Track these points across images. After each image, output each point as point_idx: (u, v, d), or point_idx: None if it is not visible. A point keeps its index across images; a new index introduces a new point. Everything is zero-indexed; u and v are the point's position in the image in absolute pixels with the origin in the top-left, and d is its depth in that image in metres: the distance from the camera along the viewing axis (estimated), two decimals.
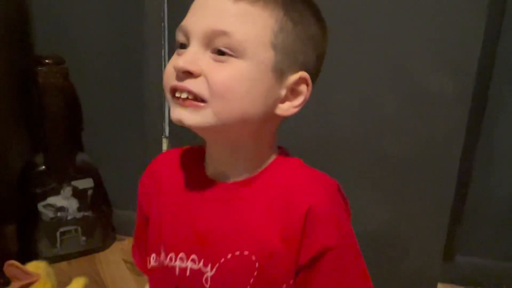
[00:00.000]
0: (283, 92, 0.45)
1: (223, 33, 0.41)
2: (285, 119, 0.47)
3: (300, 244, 0.45)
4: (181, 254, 0.48)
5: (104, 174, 1.32)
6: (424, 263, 1.11)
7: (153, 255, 0.52)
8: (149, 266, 0.53)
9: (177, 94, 0.43)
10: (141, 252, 0.58)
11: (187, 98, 0.42)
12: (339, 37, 0.97)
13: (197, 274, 0.47)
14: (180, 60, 0.42)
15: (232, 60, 0.42)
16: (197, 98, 0.42)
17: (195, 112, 0.42)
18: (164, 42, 1.22)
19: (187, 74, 0.42)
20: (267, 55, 0.43)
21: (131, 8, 1.23)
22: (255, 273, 0.45)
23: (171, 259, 0.49)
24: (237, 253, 0.46)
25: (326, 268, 0.45)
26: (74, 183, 1.24)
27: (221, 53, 0.42)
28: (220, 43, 0.42)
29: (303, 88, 0.46)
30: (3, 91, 1.18)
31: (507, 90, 1.08)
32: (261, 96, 0.44)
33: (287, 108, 0.46)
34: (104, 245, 1.32)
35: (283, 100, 0.46)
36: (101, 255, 1.30)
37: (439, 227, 1.08)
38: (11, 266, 0.88)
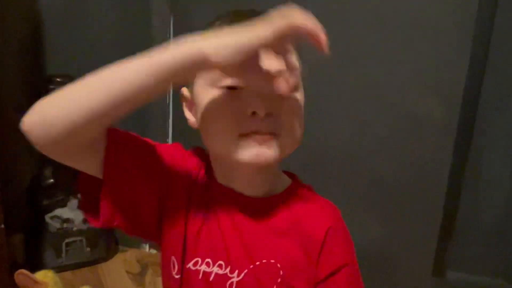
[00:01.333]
0: None
1: None
2: None
3: (318, 260, 0.49)
4: (208, 260, 0.50)
5: None
6: (415, 278, 1.16)
7: (173, 258, 0.51)
8: (173, 272, 0.52)
9: (254, 136, 0.45)
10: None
11: (267, 134, 0.46)
12: (335, 65, 1.04)
13: (222, 279, 0.50)
14: (260, 105, 0.44)
15: (291, 96, 0.47)
16: (275, 133, 0.46)
17: (271, 148, 0.46)
18: None
19: (265, 116, 0.45)
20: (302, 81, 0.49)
21: (139, 30, 1.30)
22: (279, 280, 0.49)
23: (196, 263, 0.51)
24: (264, 261, 0.49)
25: (342, 282, 0.50)
26: (79, 195, 1.29)
27: None
28: None
29: None
30: (15, 108, 1.24)
31: (492, 116, 1.13)
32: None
33: None
34: (108, 256, 1.36)
35: None
36: (104, 265, 1.34)
37: (429, 244, 1.13)
38: (21, 274, 0.93)
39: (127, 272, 1.31)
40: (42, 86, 1.23)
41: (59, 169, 1.28)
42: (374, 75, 1.07)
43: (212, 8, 1.23)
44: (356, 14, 1.07)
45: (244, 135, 0.46)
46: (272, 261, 0.49)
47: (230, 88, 0.46)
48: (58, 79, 1.24)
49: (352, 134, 1.12)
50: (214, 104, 0.47)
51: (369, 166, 1.13)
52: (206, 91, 0.47)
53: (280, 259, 0.50)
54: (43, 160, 1.31)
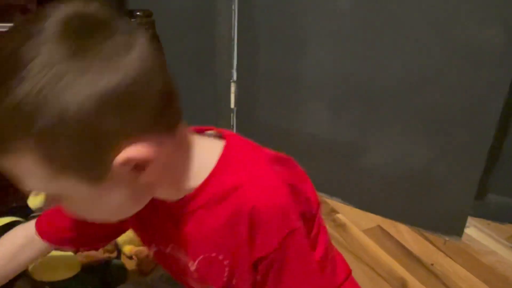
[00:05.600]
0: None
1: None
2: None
3: (249, 247, 0.47)
4: (172, 245, 0.54)
5: None
6: (458, 200, 1.24)
7: (152, 245, 0.58)
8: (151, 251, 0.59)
9: None
10: (57, 224, 0.64)
11: None
12: None
13: (187, 264, 0.53)
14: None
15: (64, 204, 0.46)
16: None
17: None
18: None
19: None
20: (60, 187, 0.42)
21: None
22: (227, 269, 0.50)
23: (166, 249, 0.55)
24: (206, 255, 0.51)
25: (267, 273, 0.48)
26: None
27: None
28: None
29: None
30: None
31: None
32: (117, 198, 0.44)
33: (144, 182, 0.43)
34: None
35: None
36: None
37: (475, 169, 1.18)
38: None
39: None
40: None
41: None
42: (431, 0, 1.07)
43: None
44: None
45: None
46: (213, 254, 0.50)
47: None
48: (137, 13, 1.39)
49: (404, 60, 1.15)
50: None
51: (421, 93, 1.17)
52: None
53: (218, 251, 0.50)
54: None
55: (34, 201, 1.02)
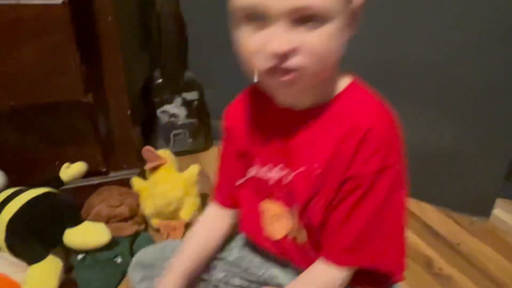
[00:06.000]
0: (351, 22, 0.48)
1: (307, 8, 0.43)
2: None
3: (352, 159, 0.50)
4: (270, 165, 0.59)
5: (206, 87, 1.55)
6: (486, 179, 1.21)
7: (252, 168, 0.62)
8: (241, 181, 0.65)
9: (278, 74, 0.46)
10: (226, 189, 0.69)
11: (289, 72, 0.46)
12: None
13: (280, 180, 0.58)
14: (275, 44, 0.43)
15: (321, 27, 0.44)
16: (297, 69, 0.46)
17: (297, 83, 0.47)
18: None
19: (286, 54, 0.44)
20: (344, 7, 0.45)
21: None
22: (319, 183, 0.54)
23: (263, 168, 0.60)
24: (309, 166, 0.54)
25: (349, 194, 0.51)
26: (183, 95, 1.52)
27: (306, 22, 0.44)
28: (305, 16, 0.43)
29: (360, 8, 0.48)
30: (128, 20, 1.44)
31: None
32: (343, 43, 0.48)
33: (351, 35, 0.49)
34: (205, 147, 1.62)
35: (349, 30, 0.49)
36: (203, 154, 1.59)
37: (506, 149, 1.16)
38: (148, 150, 1.18)
39: None
40: None
41: (166, 71, 1.50)
42: None
43: None
44: None
45: (268, 73, 0.46)
46: (316, 165, 0.53)
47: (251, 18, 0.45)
48: None
49: (437, 37, 1.12)
50: (240, 39, 0.48)
51: (451, 70, 1.14)
52: (235, 25, 0.48)
53: (321, 163, 0.53)
54: (153, 64, 1.54)
55: (66, 173, 1.05)
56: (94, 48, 1.07)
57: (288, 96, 0.55)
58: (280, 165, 0.58)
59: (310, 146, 0.54)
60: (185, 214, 1.16)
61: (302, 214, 0.57)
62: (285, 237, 0.62)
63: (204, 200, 1.22)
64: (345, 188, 0.52)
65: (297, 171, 0.56)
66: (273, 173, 0.59)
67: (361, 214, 0.52)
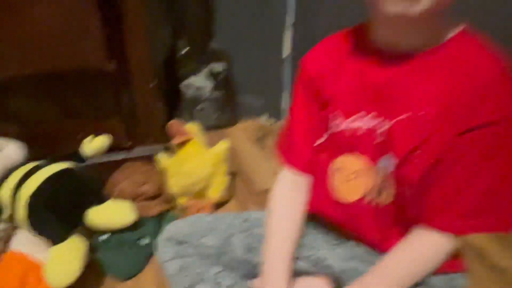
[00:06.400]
0: None
1: None
2: None
3: (470, 111, 0.46)
4: (362, 113, 0.53)
5: (233, 60, 1.46)
6: None
7: (335, 122, 0.56)
8: (322, 139, 0.58)
9: None
10: (303, 150, 0.61)
11: None
12: None
13: (373, 129, 0.52)
14: None
15: None
16: None
17: (418, 3, 0.44)
18: None
19: None
20: None
21: None
22: (425, 133, 0.49)
23: (349, 119, 0.54)
24: (413, 113, 0.49)
25: (481, 141, 0.46)
26: (210, 65, 1.41)
27: None
28: None
29: None
30: None
31: None
32: None
33: None
34: (231, 123, 1.54)
35: None
36: (228, 130, 1.51)
37: None
38: (174, 124, 1.10)
39: (248, 138, 1.46)
40: None
41: (192, 40, 1.40)
42: None
43: None
44: None
45: None
46: (422, 113, 0.49)
47: None
48: None
49: None
50: None
51: None
52: None
53: (429, 110, 0.49)
54: (178, 31, 1.43)
55: (89, 147, 0.98)
56: (116, 11, 0.97)
57: (397, 32, 0.50)
58: (373, 113, 0.52)
59: (413, 92, 0.49)
60: (213, 193, 1.09)
61: (398, 169, 0.51)
62: (361, 199, 0.56)
63: (232, 178, 1.14)
64: (466, 140, 0.47)
65: (397, 119, 0.50)
66: (363, 122, 0.53)
67: (490, 169, 0.47)
